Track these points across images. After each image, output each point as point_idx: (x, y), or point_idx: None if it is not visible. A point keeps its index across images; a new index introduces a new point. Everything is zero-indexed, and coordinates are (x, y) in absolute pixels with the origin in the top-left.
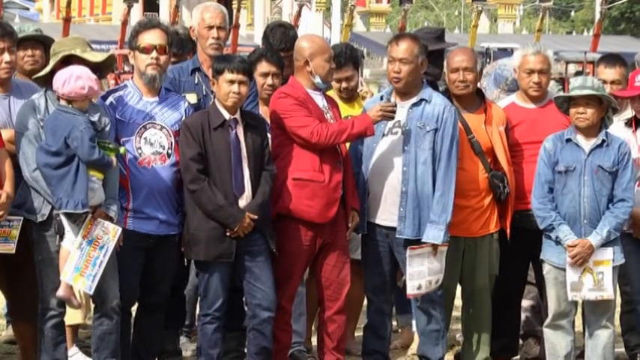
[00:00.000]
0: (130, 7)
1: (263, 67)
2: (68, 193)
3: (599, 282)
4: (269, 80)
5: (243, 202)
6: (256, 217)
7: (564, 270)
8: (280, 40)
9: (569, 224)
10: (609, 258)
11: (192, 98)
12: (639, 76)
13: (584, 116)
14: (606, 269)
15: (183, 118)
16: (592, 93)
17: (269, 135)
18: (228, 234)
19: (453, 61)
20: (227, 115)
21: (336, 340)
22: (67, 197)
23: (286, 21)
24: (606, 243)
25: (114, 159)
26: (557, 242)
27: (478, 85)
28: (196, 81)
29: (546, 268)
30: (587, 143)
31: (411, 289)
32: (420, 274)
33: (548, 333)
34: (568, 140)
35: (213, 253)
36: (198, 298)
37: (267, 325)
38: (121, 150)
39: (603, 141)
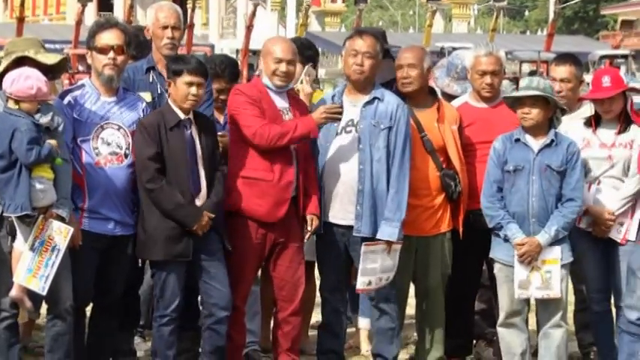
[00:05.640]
0: (84, 6)
1: (220, 82)
2: (11, 197)
3: (547, 281)
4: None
5: (199, 202)
6: (214, 215)
7: (514, 267)
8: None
9: (518, 223)
10: (557, 257)
11: (146, 97)
12: (606, 78)
13: (529, 116)
14: (554, 268)
15: (141, 118)
16: (536, 93)
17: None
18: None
19: (398, 58)
20: (182, 115)
21: (290, 341)
22: (9, 200)
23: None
24: (555, 242)
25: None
26: (506, 240)
27: (432, 83)
28: (151, 80)
29: (497, 267)
30: (536, 143)
31: (361, 285)
32: (372, 270)
33: (502, 332)
34: (517, 140)
35: (172, 253)
36: (153, 299)
37: (222, 324)
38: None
39: (552, 141)
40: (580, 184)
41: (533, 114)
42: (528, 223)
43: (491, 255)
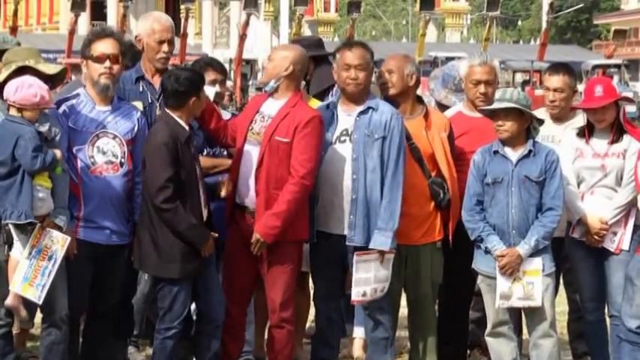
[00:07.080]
0: (77, 16)
1: (210, 75)
2: (13, 204)
3: (529, 292)
4: (217, 87)
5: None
6: (217, 235)
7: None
8: None
9: (499, 235)
10: (538, 268)
11: (138, 106)
12: (598, 87)
13: (502, 128)
14: (536, 279)
15: (136, 127)
16: (509, 105)
17: None
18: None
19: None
20: (187, 129)
21: (276, 352)
22: (11, 208)
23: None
24: (536, 252)
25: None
26: (487, 252)
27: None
28: (141, 89)
29: (480, 278)
30: (514, 154)
31: (356, 296)
32: (366, 280)
33: (490, 342)
34: (496, 152)
35: (189, 270)
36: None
37: (219, 330)
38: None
39: (530, 151)
40: (560, 193)
41: (507, 126)
42: (509, 235)
43: (473, 266)
